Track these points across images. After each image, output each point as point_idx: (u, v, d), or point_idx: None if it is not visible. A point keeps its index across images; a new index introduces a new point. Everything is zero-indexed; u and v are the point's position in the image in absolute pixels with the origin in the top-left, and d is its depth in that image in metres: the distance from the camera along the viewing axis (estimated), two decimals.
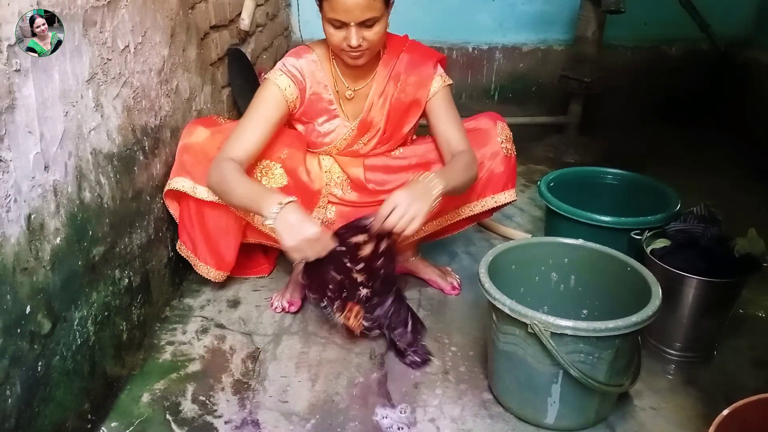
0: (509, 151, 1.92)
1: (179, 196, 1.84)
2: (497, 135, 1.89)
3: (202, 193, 1.80)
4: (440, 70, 1.85)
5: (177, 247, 1.93)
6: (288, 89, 1.76)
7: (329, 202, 1.92)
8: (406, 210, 1.50)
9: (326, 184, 1.90)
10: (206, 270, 1.92)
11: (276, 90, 1.76)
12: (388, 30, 1.72)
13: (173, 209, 1.89)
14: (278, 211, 1.51)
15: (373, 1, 1.58)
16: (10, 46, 1.11)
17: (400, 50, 1.83)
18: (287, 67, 1.78)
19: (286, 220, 1.51)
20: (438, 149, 1.86)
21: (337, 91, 1.84)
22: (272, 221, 1.52)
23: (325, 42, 1.78)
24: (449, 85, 1.86)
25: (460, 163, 1.73)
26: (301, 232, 1.50)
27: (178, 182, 1.80)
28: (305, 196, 1.86)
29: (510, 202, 1.97)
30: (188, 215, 1.86)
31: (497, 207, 1.96)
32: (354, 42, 1.62)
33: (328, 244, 1.56)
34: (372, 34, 1.64)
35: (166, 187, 1.83)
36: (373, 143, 1.89)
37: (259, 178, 1.79)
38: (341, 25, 1.61)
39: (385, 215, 1.51)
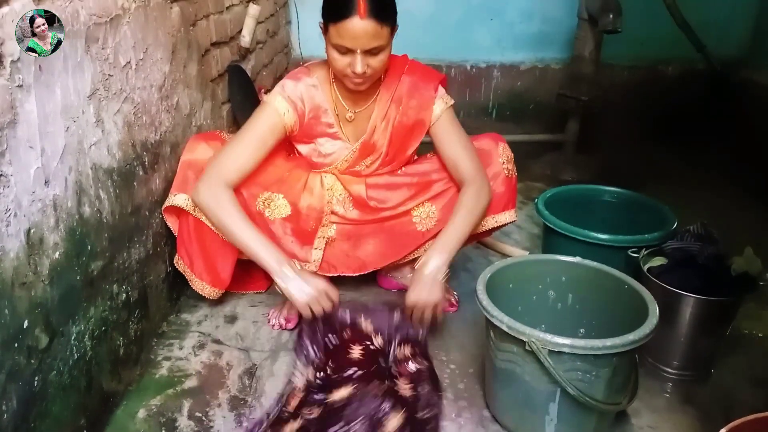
0: (510, 172, 1.94)
1: (179, 210, 1.84)
2: (499, 156, 1.92)
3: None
4: (441, 91, 1.87)
5: (174, 262, 1.93)
6: (287, 114, 1.78)
7: (330, 221, 1.93)
8: (424, 308, 1.68)
9: (328, 202, 1.91)
10: (201, 286, 1.92)
11: (274, 113, 1.77)
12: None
13: (172, 223, 1.89)
14: (288, 276, 1.67)
15: (380, 29, 1.60)
16: (13, 61, 1.12)
17: (401, 72, 1.84)
18: (286, 91, 1.79)
19: (296, 282, 1.67)
20: (445, 170, 1.90)
21: (337, 114, 1.85)
22: (283, 283, 1.68)
23: (325, 63, 1.79)
24: (451, 105, 1.87)
25: (463, 209, 1.78)
26: (310, 285, 1.67)
27: (179, 198, 1.81)
28: (309, 219, 1.88)
29: (510, 222, 1.99)
30: (187, 230, 1.86)
31: (497, 227, 1.98)
32: (359, 69, 1.63)
33: (335, 295, 1.69)
34: (377, 61, 1.66)
35: (167, 203, 1.83)
36: (375, 165, 1.91)
37: (261, 210, 1.80)
38: (347, 51, 1.63)
39: (410, 319, 1.68)
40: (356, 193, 1.92)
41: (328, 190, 1.92)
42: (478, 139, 1.97)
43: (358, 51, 1.61)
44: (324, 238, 1.94)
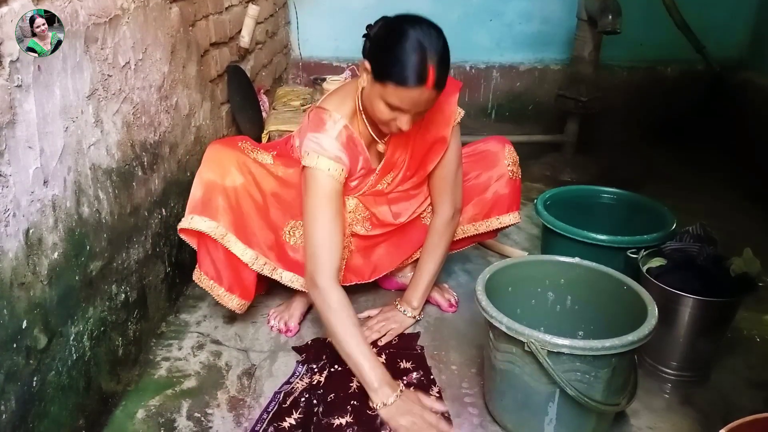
0: (514, 174, 1.95)
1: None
2: (504, 158, 1.93)
3: (231, 240, 1.72)
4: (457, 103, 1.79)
5: (195, 279, 1.79)
6: (342, 175, 1.67)
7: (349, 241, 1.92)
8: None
9: (349, 225, 1.87)
10: (229, 299, 1.79)
11: (331, 180, 1.65)
12: None
13: (190, 239, 1.78)
14: (392, 402, 1.50)
15: (437, 95, 1.52)
16: (12, 62, 1.12)
17: None
18: (329, 151, 1.64)
19: (402, 410, 1.50)
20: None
21: (368, 145, 1.76)
22: (380, 403, 1.50)
23: (344, 99, 1.69)
24: (460, 120, 1.81)
25: (439, 251, 1.89)
26: (421, 417, 1.49)
27: (204, 225, 1.69)
28: None
29: (513, 224, 2.00)
30: (213, 244, 1.73)
31: (501, 228, 2.00)
32: (406, 128, 1.56)
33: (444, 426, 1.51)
34: (422, 116, 1.59)
35: (186, 225, 1.71)
36: (396, 181, 1.86)
37: (287, 239, 1.80)
38: (397, 108, 1.53)
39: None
40: (381, 215, 1.88)
41: (350, 213, 1.87)
42: (485, 141, 1.99)
43: (411, 112, 1.53)
44: (343, 259, 1.90)
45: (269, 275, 1.81)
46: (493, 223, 1.98)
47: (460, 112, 1.80)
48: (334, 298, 1.60)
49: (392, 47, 1.48)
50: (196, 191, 1.72)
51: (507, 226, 2.01)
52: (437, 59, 1.47)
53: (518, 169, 1.97)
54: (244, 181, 1.73)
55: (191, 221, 1.71)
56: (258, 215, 1.76)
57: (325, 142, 1.65)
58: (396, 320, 1.88)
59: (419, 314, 1.93)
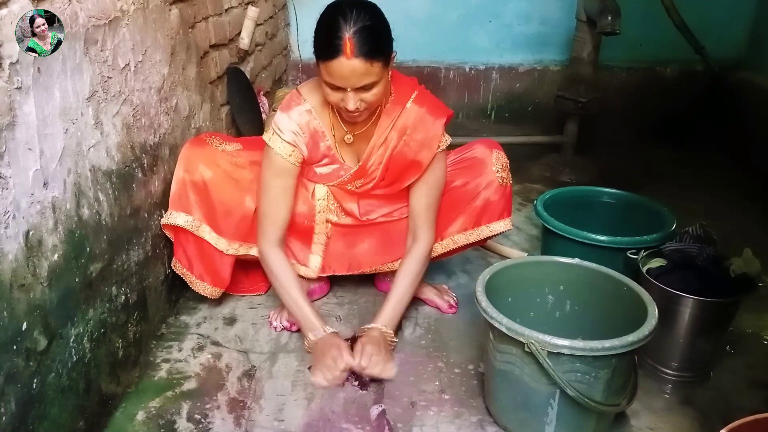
0: (504, 180, 1.93)
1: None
2: (492, 164, 1.91)
3: (205, 231, 1.86)
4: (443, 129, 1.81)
5: (172, 265, 1.92)
6: (292, 156, 1.76)
7: (324, 226, 1.94)
8: (379, 359, 1.67)
9: (320, 212, 1.90)
10: (202, 287, 1.92)
11: (281, 159, 1.75)
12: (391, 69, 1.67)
13: (170, 233, 1.89)
14: (314, 341, 1.73)
15: (371, 66, 1.53)
16: (12, 63, 1.12)
17: (406, 99, 1.76)
18: (283, 132, 1.74)
19: (316, 349, 1.72)
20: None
21: (334, 135, 1.79)
22: (309, 347, 1.76)
23: (319, 87, 1.70)
24: (446, 147, 1.83)
25: (409, 277, 1.82)
26: (321, 357, 1.69)
27: (180, 219, 1.84)
28: (302, 221, 1.90)
29: (505, 231, 1.99)
30: (185, 235, 1.87)
31: (492, 236, 1.99)
32: (351, 107, 1.59)
33: (340, 374, 1.66)
34: (371, 96, 1.60)
35: (166, 221, 1.84)
36: (368, 187, 1.87)
37: None
38: (338, 88, 1.58)
39: (367, 358, 1.67)
40: (349, 210, 1.91)
41: (321, 200, 1.89)
42: (472, 147, 1.96)
43: (349, 89, 1.56)
44: (321, 244, 1.95)
45: (247, 253, 1.92)
46: (484, 231, 1.95)
47: (447, 140, 1.81)
48: (272, 260, 1.82)
49: (316, 28, 1.59)
50: (173, 189, 1.86)
51: (498, 234, 1.99)
52: (355, 29, 1.50)
53: (508, 175, 1.94)
54: (212, 175, 1.85)
55: (170, 216, 1.85)
56: (229, 204, 1.87)
57: (283, 123, 1.74)
58: (381, 346, 1.74)
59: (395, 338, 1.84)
